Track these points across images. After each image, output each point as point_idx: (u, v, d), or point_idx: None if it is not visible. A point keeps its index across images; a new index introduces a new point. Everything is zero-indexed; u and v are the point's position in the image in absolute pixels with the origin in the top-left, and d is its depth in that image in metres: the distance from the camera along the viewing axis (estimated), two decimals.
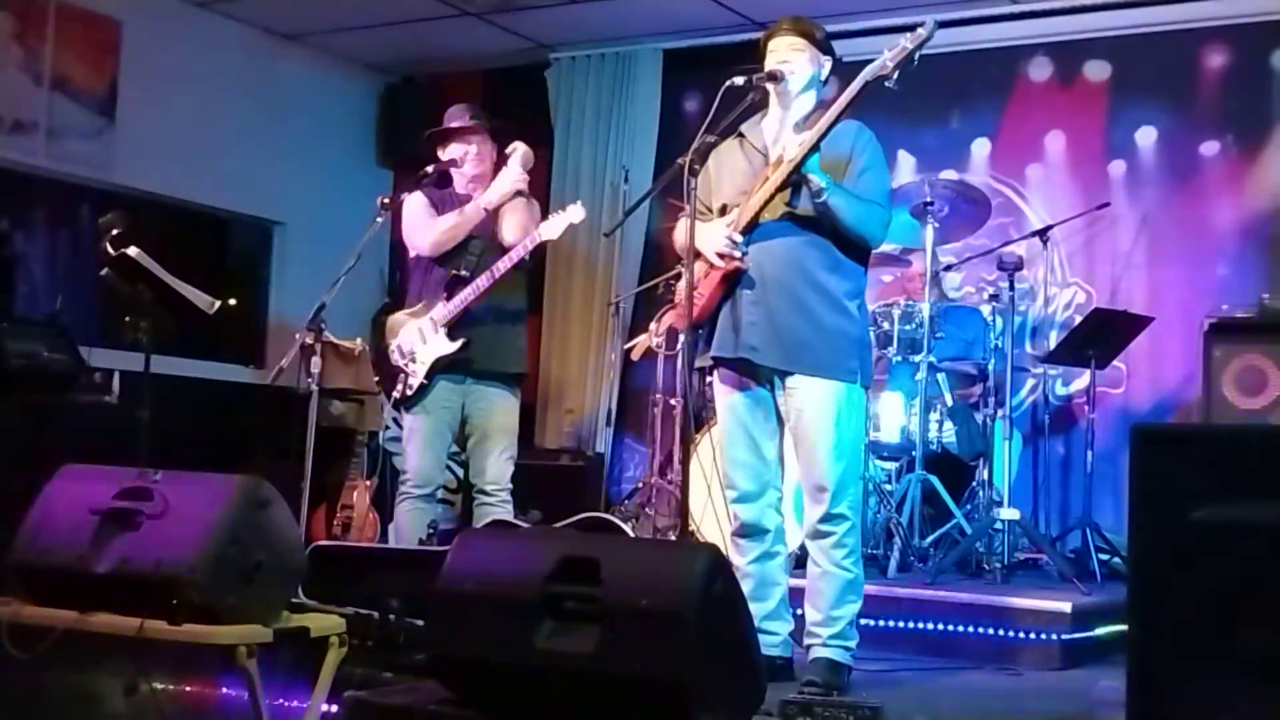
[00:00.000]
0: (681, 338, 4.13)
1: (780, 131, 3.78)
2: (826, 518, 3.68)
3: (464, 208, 4.72)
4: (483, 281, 4.60)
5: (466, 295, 4.61)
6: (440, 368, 4.66)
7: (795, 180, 3.63)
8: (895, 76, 3.57)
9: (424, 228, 4.76)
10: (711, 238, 3.70)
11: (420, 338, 4.69)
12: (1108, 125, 6.58)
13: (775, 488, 3.83)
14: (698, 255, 3.78)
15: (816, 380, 3.68)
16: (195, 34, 7.18)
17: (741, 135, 3.87)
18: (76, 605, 2.91)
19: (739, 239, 3.67)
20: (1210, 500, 2.20)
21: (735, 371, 3.80)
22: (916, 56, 3.57)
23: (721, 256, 3.68)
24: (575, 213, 4.61)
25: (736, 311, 3.72)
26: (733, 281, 3.71)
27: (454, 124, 4.85)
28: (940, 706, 3.70)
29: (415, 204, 4.82)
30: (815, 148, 3.55)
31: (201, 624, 2.84)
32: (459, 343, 4.62)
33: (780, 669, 3.69)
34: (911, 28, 3.59)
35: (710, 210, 3.87)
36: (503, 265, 4.60)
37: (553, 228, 4.60)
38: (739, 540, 3.83)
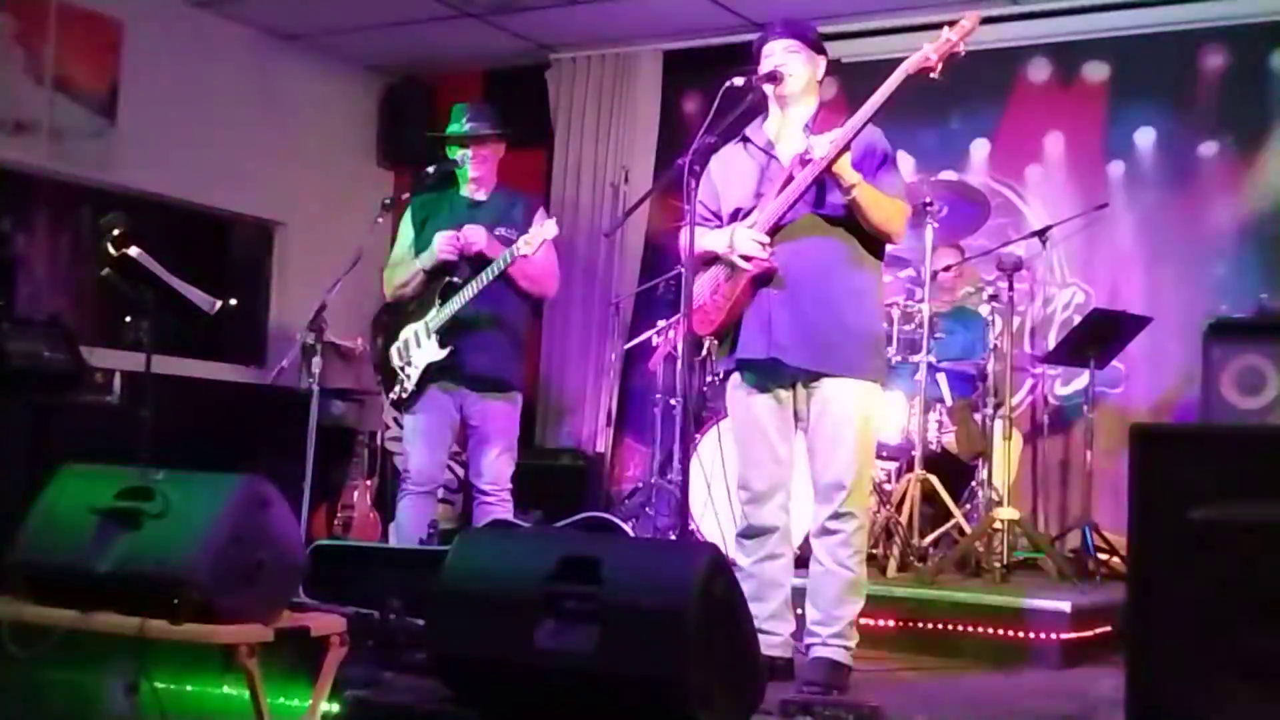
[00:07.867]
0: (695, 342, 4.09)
1: (783, 132, 3.79)
2: (836, 516, 3.67)
3: (421, 257, 4.76)
4: (468, 292, 4.64)
5: (455, 303, 4.66)
6: (431, 374, 4.69)
7: (822, 178, 3.63)
8: (939, 69, 3.58)
9: (390, 270, 4.90)
10: (735, 241, 3.69)
11: (415, 342, 4.73)
12: (1107, 126, 6.58)
13: (785, 488, 3.82)
14: (714, 260, 3.78)
15: (843, 380, 3.68)
16: (196, 34, 7.18)
17: (745, 138, 3.87)
18: (77, 605, 2.91)
19: (766, 239, 3.67)
20: (1210, 500, 2.20)
21: (759, 373, 3.78)
22: (963, 49, 3.58)
23: (748, 259, 3.67)
24: (550, 228, 4.63)
25: (764, 313, 3.70)
26: (760, 283, 3.70)
27: (453, 129, 4.87)
28: (940, 706, 3.70)
29: (400, 231, 4.93)
30: (848, 146, 3.56)
31: (202, 624, 2.84)
32: (447, 350, 4.65)
33: (780, 669, 3.69)
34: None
35: (718, 216, 3.86)
36: (486, 277, 4.63)
37: (530, 244, 4.61)
38: (745, 541, 3.82)
